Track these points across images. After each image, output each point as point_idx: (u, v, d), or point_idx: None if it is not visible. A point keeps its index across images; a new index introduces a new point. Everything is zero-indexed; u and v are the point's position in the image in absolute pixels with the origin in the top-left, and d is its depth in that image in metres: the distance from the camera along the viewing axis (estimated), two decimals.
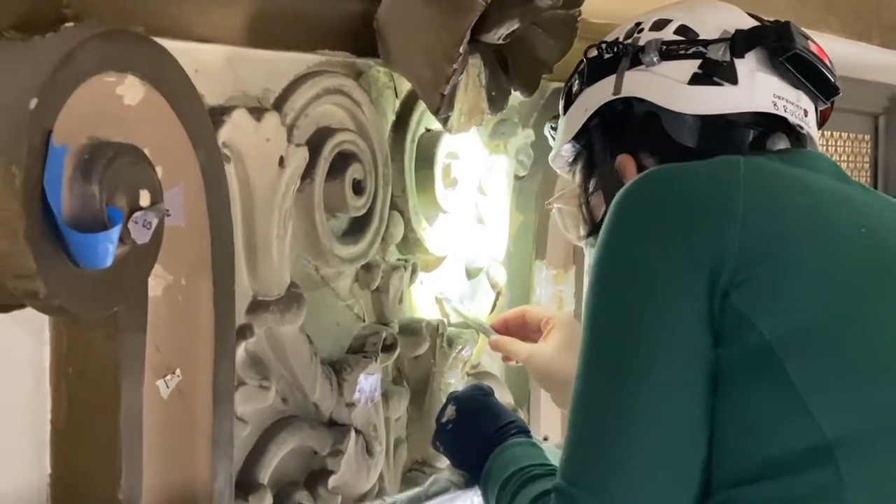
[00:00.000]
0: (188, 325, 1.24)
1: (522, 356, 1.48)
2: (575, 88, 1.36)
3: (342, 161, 1.46)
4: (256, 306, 1.36)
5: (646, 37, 1.30)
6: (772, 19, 1.32)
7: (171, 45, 1.17)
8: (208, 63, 1.29)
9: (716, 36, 1.28)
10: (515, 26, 1.50)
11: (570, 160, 1.40)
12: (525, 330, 1.55)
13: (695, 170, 1.15)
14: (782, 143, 1.27)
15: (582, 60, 1.36)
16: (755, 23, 1.30)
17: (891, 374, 1.08)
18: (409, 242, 1.64)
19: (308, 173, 1.41)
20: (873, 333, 1.09)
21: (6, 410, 1.17)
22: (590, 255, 1.47)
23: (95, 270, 1.05)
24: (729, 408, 1.08)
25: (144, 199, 1.11)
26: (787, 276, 1.08)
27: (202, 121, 1.22)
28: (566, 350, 1.44)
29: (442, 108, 1.45)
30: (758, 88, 1.26)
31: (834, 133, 3.30)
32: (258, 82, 1.37)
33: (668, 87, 1.27)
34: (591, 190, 1.36)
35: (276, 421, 1.43)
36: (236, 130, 1.29)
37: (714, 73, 1.26)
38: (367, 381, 1.53)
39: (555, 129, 1.43)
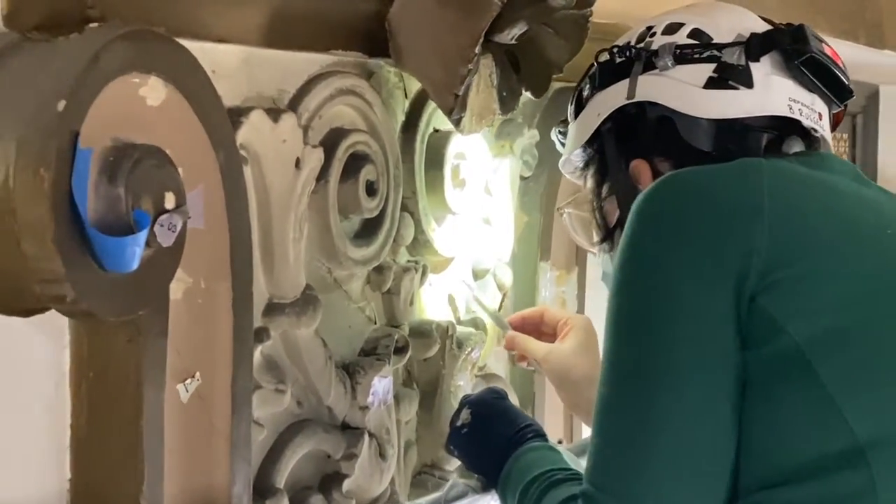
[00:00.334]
0: (207, 328, 1.23)
1: (539, 355, 1.47)
2: (586, 93, 1.35)
3: (355, 162, 1.45)
4: (272, 309, 1.35)
5: (659, 41, 1.30)
6: (784, 22, 1.31)
7: (189, 46, 1.16)
8: (224, 64, 1.28)
9: (730, 39, 1.28)
10: (528, 26, 1.49)
11: (582, 165, 1.39)
12: (539, 330, 1.54)
13: (717, 173, 1.15)
14: (797, 147, 1.27)
15: (592, 65, 1.36)
16: (768, 26, 1.30)
17: None
18: (419, 244, 1.63)
19: (322, 175, 1.40)
20: None
21: (26, 415, 1.16)
22: (602, 260, 1.48)
23: (121, 274, 1.04)
24: (758, 411, 1.07)
25: (169, 201, 1.10)
26: (816, 278, 1.08)
27: (222, 122, 1.21)
28: (584, 352, 1.44)
29: (455, 108, 1.44)
30: (773, 92, 1.26)
31: None
32: (273, 83, 1.36)
33: (683, 91, 1.26)
34: (604, 195, 1.35)
35: (292, 424, 1.42)
36: (254, 132, 1.28)
37: (730, 76, 1.26)
38: (381, 384, 1.52)
39: (563, 133, 1.42)
